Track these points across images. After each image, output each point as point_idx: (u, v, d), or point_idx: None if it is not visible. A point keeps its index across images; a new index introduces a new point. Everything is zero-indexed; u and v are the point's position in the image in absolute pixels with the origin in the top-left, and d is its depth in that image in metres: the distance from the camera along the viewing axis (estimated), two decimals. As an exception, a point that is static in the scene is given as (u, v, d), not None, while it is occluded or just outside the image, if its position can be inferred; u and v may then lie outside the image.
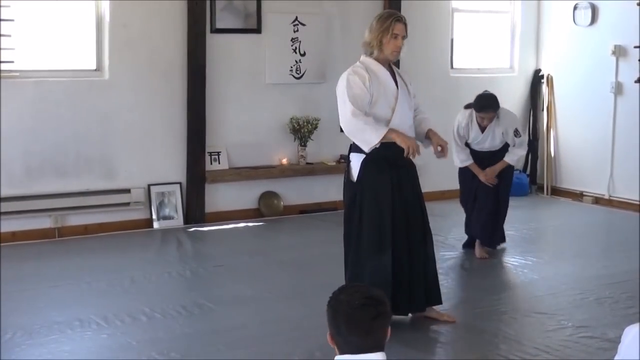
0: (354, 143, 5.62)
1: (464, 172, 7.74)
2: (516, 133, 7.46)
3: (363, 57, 5.65)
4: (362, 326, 2.75)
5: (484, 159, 7.59)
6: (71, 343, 5.38)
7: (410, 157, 5.54)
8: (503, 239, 7.83)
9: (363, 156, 5.55)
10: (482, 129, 7.51)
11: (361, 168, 5.57)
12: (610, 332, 5.51)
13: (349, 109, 5.42)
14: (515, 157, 7.60)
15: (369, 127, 5.42)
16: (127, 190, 8.41)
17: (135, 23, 8.36)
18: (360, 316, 2.75)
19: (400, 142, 5.43)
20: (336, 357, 2.82)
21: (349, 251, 5.71)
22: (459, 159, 7.61)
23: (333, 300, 2.83)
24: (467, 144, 7.61)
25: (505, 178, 7.66)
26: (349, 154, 5.71)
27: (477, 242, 7.64)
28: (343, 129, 5.57)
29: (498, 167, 7.54)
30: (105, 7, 8.22)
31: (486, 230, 7.61)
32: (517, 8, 10.83)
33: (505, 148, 7.56)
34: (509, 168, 7.67)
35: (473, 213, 7.70)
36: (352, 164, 5.65)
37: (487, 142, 7.55)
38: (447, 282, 6.93)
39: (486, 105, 7.39)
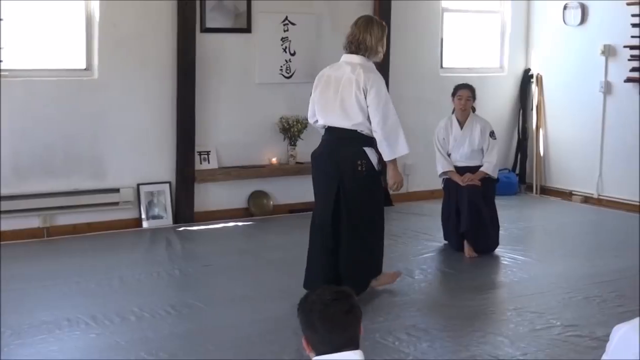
0: (363, 137, 6.06)
1: (448, 187, 7.82)
2: (492, 134, 7.84)
3: (367, 61, 6.11)
4: (337, 321, 2.80)
5: (462, 174, 7.75)
6: (59, 343, 5.36)
7: (390, 190, 6.48)
8: (496, 244, 7.82)
9: (373, 149, 6.11)
10: (461, 125, 7.76)
11: (378, 159, 6.14)
12: (599, 330, 5.52)
13: (394, 113, 6.04)
14: (490, 165, 7.75)
15: (402, 137, 6.07)
16: (116, 190, 8.38)
17: (125, 22, 8.34)
18: (333, 311, 2.81)
19: (395, 174, 6.17)
20: (314, 359, 2.83)
21: (378, 231, 6.30)
22: (440, 164, 7.80)
23: (304, 303, 2.89)
24: (448, 155, 7.84)
25: (489, 191, 7.78)
26: (361, 148, 6.05)
27: (466, 242, 7.64)
28: (379, 127, 5.98)
29: (476, 175, 7.69)
30: (95, 6, 8.20)
31: (481, 235, 7.65)
32: (507, 8, 10.84)
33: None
34: (492, 181, 7.78)
35: (451, 225, 7.78)
36: (369, 155, 6.08)
37: (467, 141, 7.74)
38: (435, 281, 6.93)
39: (461, 85, 7.89)
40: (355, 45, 6.08)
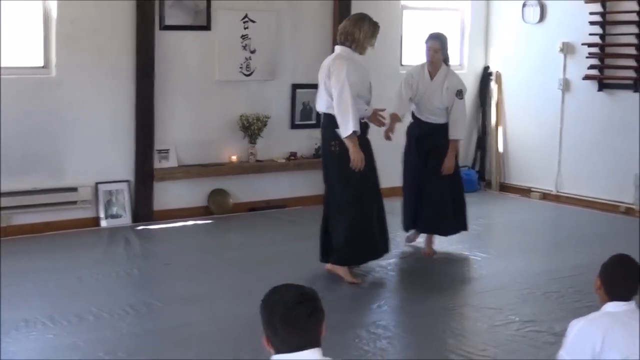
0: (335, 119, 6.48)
1: (407, 153, 7.65)
2: (458, 94, 7.43)
3: (347, 50, 6.57)
4: (299, 324, 2.76)
5: (427, 135, 7.47)
6: (16, 344, 5.31)
7: (351, 166, 6.49)
8: (464, 226, 7.75)
9: None
10: (432, 77, 7.45)
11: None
12: (557, 325, 5.57)
13: (348, 93, 6.34)
14: (457, 129, 7.43)
15: (352, 116, 6.33)
16: (74, 189, 8.30)
17: (83, 19, 8.26)
18: (295, 314, 2.76)
19: (353, 152, 6.41)
20: (272, 357, 2.81)
21: (353, 212, 6.64)
22: (397, 105, 7.53)
23: (266, 302, 2.84)
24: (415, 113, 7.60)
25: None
26: (334, 130, 6.48)
27: (426, 238, 7.66)
28: (335, 107, 6.41)
29: (450, 158, 7.40)
30: (52, 3, 8.12)
31: (444, 220, 7.58)
32: (467, 6, 10.89)
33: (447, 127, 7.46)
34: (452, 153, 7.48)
35: (419, 204, 7.60)
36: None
37: (434, 96, 7.40)
38: (395, 279, 6.95)
39: (431, 35, 7.62)
40: (344, 37, 6.59)
